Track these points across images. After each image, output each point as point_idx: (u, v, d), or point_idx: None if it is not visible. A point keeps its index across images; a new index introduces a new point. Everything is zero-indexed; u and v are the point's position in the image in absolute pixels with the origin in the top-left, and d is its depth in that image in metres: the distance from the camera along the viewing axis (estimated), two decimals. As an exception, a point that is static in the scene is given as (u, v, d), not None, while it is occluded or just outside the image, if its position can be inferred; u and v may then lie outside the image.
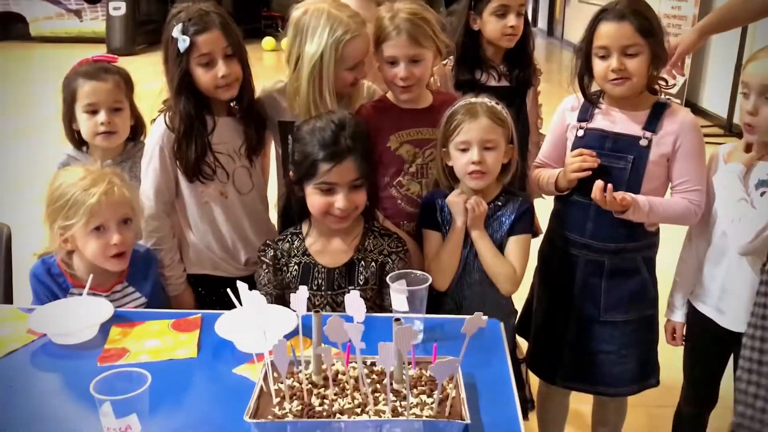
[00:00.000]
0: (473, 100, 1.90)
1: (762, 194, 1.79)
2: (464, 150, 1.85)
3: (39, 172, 4.93)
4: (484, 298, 1.91)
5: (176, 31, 1.89)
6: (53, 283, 1.81)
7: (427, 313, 1.61)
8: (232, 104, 2.05)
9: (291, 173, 1.85)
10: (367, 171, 1.77)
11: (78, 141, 2.17)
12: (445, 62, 2.33)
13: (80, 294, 1.76)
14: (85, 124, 2.09)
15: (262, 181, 2.19)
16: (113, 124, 2.09)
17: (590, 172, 1.88)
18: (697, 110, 7.14)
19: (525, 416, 2.10)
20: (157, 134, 2.00)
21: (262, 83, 2.17)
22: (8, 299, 2.12)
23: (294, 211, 1.87)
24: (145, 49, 10.40)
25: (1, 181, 5.15)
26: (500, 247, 1.90)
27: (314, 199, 1.77)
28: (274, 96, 2.12)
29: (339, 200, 1.74)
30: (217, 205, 2.05)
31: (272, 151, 2.25)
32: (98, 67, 2.15)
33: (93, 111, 2.08)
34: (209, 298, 2.08)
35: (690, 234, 2.04)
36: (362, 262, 1.83)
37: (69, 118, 2.14)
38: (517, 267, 1.88)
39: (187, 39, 1.89)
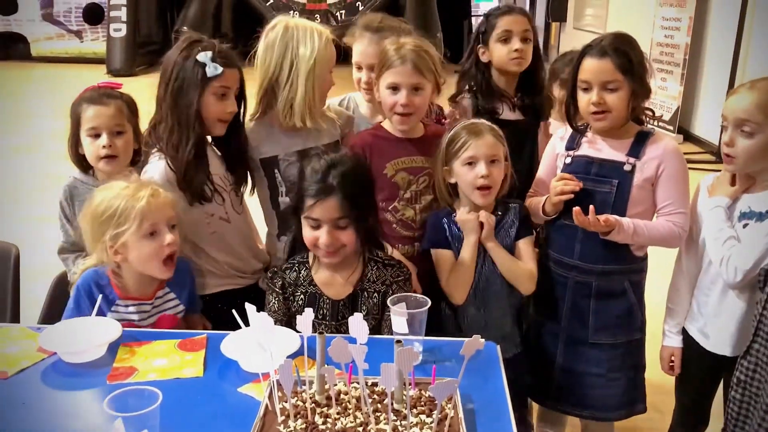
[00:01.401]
0: (473, 120, 2.04)
1: (745, 226, 1.86)
2: (471, 165, 1.96)
3: (40, 191, 4.99)
4: (508, 303, 2.05)
5: (205, 57, 1.95)
6: (99, 295, 1.84)
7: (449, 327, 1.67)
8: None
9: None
10: (354, 211, 1.77)
11: (84, 165, 2.22)
12: (460, 96, 2.45)
13: (126, 306, 1.84)
14: (88, 148, 2.14)
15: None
16: (114, 148, 2.13)
17: (572, 195, 1.96)
18: (690, 137, 7.24)
19: None
20: (156, 179, 1.98)
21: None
22: (15, 318, 2.17)
23: (299, 243, 1.90)
24: (144, 70, 10.48)
25: (2, 200, 5.19)
26: (510, 253, 2.02)
27: (305, 232, 1.82)
28: (247, 136, 2.17)
29: (322, 236, 1.78)
30: (224, 231, 2.12)
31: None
32: (102, 92, 2.21)
33: (95, 134, 2.13)
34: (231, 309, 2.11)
35: (680, 260, 2.10)
36: (365, 293, 1.87)
37: (75, 142, 2.19)
38: (532, 266, 2.02)
39: (219, 67, 1.96)
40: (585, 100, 1.96)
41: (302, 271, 1.89)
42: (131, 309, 1.86)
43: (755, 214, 1.86)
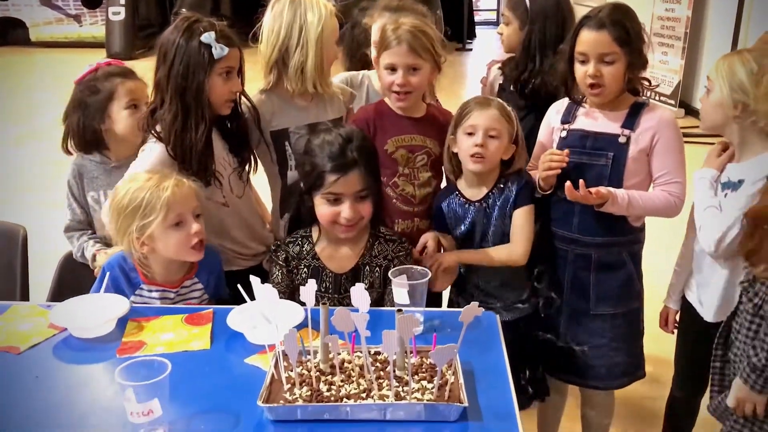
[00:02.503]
0: (488, 96, 2.08)
1: (725, 196, 1.89)
2: (470, 134, 1.99)
3: (41, 176, 5.01)
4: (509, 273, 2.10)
5: (209, 38, 1.93)
6: (123, 278, 1.88)
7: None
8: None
9: (301, 183, 1.93)
10: (371, 182, 1.85)
11: (89, 149, 2.22)
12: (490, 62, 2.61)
13: (149, 291, 1.87)
14: (126, 120, 2.17)
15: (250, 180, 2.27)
16: None
17: (560, 171, 1.98)
18: (691, 111, 7.23)
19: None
20: (154, 164, 1.96)
21: (259, 85, 2.24)
22: (24, 297, 2.21)
23: (303, 219, 1.95)
24: (144, 53, 10.45)
25: (4, 185, 5.22)
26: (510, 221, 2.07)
27: (322, 209, 1.85)
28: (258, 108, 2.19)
29: (345, 210, 1.81)
30: (221, 217, 2.13)
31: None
32: (125, 69, 2.25)
33: (135, 106, 2.17)
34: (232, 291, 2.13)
35: (689, 226, 2.12)
36: (367, 267, 1.91)
37: (93, 120, 2.18)
38: (519, 240, 2.03)
39: (225, 48, 1.95)
40: (582, 72, 1.96)
41: (305, 245, 1.93)
42: (154, 294, 1.89)
43: (731, 183, 1.88)
